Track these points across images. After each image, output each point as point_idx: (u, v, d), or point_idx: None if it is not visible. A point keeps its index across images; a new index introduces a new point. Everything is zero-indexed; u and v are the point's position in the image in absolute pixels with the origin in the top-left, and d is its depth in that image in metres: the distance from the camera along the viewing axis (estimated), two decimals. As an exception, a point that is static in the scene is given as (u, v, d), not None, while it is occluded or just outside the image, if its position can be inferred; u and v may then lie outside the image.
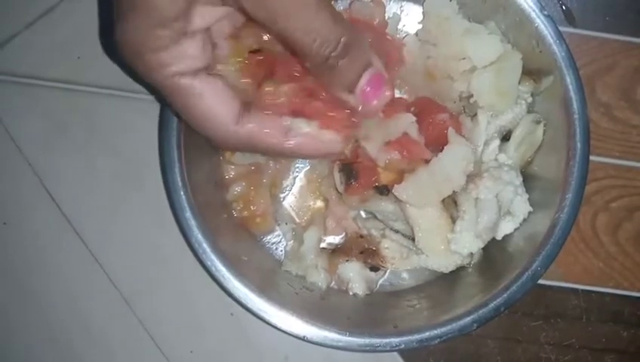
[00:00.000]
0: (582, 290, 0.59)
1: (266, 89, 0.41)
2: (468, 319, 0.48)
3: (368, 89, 0.38)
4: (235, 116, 0.38)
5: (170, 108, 0.40)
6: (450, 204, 0.51)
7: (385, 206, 0.52)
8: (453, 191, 0.50)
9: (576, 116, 0.50)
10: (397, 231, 0.53)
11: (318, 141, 0.40)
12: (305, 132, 0.40)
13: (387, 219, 0.53)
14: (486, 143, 0.53)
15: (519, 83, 0.52)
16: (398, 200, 0.51)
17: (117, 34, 0.35)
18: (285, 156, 0.48)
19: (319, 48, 0.35)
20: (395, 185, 0.50)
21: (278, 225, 0.56)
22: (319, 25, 0.35)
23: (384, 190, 0.51)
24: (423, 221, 0.51)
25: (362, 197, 0.52)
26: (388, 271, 0.55)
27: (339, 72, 0.37)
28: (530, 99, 0.53)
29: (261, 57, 0.42)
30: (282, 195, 0.57)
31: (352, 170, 0.50)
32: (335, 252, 0.55)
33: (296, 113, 0.41)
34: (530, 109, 0.53)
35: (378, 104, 0.40)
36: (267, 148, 0.40)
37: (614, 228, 0.59)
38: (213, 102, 0.37)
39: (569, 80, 0.50)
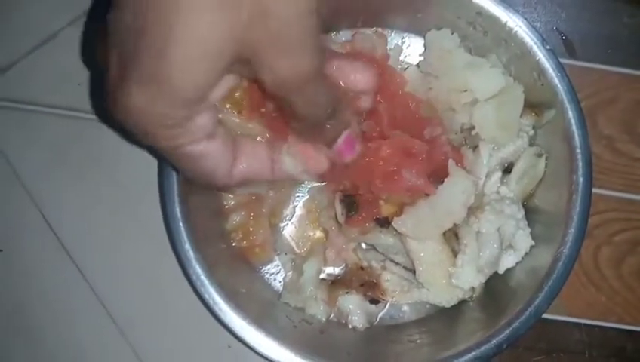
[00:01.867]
0: (584, 325, 0.58)
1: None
2: (470, 356, 0.47)
3: (344, 147, 0.44)
4: (231, 165, 0.40)
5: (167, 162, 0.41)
6: (452, 237, 0.51)
7: (385, 239, 0.51)
8: (454, 224, 0.50)
9: (578, 150, 0.50)
10: (398, 264, 0.53)
11: (301, 169, 0.44)
12: (288, 166, 0.44)
13: (387, 251, 0.53)
14: (487, 176, 0.52)
15: (521, 116, 0.52)
16: (398, 233, 0.50)
17: (120, 98, 0.33)
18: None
19: (314, 114, 0.39)
20: (395, 218, 0.49)
21: (278, 255, 0.56)
22: (319, 97, 0.38)
23: (384, 223, 0.50)
24: (424, 254, 0.50)
25: (362, 229, 0.51)
26: (388, 304, 0.54)
27: (323, 131, 0.41)
28: (531, 132, 0.53)
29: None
30: (282, 225, 0.56)
31: (353, 202, 0.50)
32: (335, 283, 0.54)
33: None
34: (531, 142, 0.53)
35: (350, 159, 0.45)
36: (261, 181, 0.44)
37: (617, 262, 0.59)
38: (215, 161, 0.39)
39: (571, 114, 0.50)
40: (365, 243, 0.55)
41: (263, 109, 0.43)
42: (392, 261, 0.53)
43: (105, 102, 0.35)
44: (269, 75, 0.33)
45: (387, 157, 0.48)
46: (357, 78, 0.43)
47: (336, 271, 0.56)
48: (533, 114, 0.52)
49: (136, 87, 0.32)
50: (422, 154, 0.48)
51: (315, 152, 0.44)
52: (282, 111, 0.41)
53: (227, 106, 0.43)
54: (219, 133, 0.38)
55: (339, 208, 0.51)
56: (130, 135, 0.35)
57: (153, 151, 0.40)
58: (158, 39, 0.30)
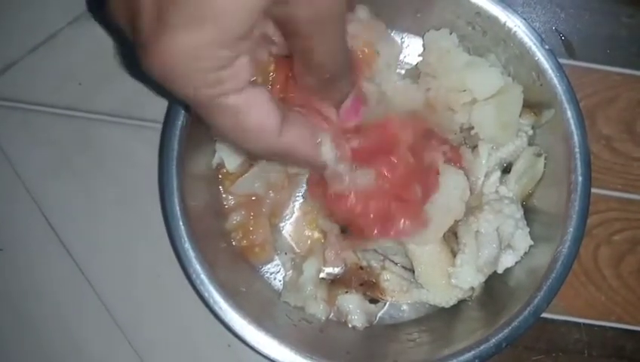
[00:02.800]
0: (584, 324, 0.58)
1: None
2: (469, 354, 0.47)
3: (350, 110, 0.43)
4: (279, 127, 0.37)
5: (201, 119, 0.37)
6: (451, 237, 0.51)
7: (383, 241, 0.51)
8: (455, 221, 0.50)
9: (577, 150, 0.50)
10: (397, 264, 0.53)
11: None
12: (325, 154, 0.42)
13: (387, 252, 0.53)
14: (487, 175, 0.52)
15: (520, 116, 0.52)
16: None
17: (160, 46, 0.31)
18: (312, 167, 0.45)
19: (331, 68, 0.38)
20: None
21: (277, 254, 0.56)
22: (340, 49, 0.37)
23: None
24: (423, 255, 0.50)
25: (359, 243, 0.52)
26: (387, 303, 0.54)
27: (334, 89, 0.41)
28: (530, 132, 0.53)
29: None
30: (282, 224, 0.56)
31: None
32: (334, 283, 0.54)
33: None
34: (530, 142, 0.53)
35: (353, 123, 0.45)
36: (302, 160, 0.41)
37: (617, 262, 0.59)
38: (260, 116, 0.36)
39: (570, 114, 0.50)
40: (364, 246, 0.55)
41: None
42: (392, 261, 0.53)
43: (136, 58, 0.33)
44: (305, 6, 0.33)
45: (379, 207, 0.47)
46: None
47: (336, 270, 0.56)
48: (533, 113, 0.52)
49: (181, 29, 0.31)
50: (415, 196, 0.48)
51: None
52: (300, 65, 0.39)
53: (259, 81, 0.41)
54: (262, 87, 0.37)
55: (335, 229, 0.52)
56: (164, 90, 0.33)
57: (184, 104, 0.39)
58: None
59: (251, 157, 0.51)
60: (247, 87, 0.34)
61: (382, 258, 0.53)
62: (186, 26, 0.30)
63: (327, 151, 0.41)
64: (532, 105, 0.52)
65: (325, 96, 0.42)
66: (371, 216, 0.46)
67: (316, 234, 0.56)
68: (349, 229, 0.51)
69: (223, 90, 0.34)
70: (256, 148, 0.38)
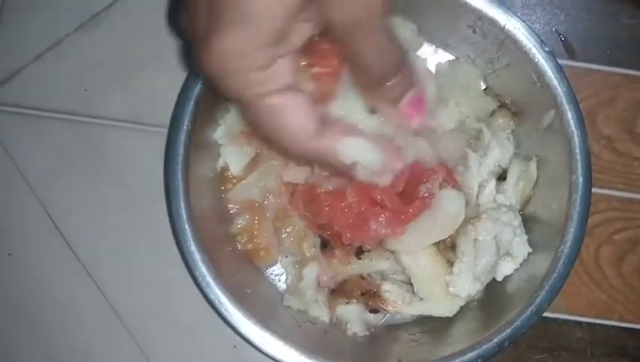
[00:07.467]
0: (586, 323, 0.58)
1: None
2: (472, 354, 0.48)
3: (411, 106, 0.43)
4: (315, 131, 0.39)
5: (246, 117, 0.42)
6: (446, 248, 0.51)
7: (379, 265, 0.52)
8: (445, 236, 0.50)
9: (577, 151, 0.50)
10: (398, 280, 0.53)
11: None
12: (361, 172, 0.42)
13: (386, 274, 0.53)
14: (481, 185, 0.53)
15: (500, 118, 0.54)
16: (390, 255, 0.51)
17: (209, 45, 0.35)
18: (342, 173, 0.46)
19: (379, 68, 0.39)
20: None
21: (283, 257, 0.56)
22: (385, 50, 0.38)
23: (360, 252, 0.52)
24: (418, 270, 0.50)
25: (345, 259, 0.52)
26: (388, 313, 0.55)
27: (388, 88, 0.41)
28: (511, 137, 0.55)
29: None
30: (283, 229, 0.56)
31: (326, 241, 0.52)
32: (335, 292, 0.54)
33: None
34: (517, 146, 0.55)
35: (418, 122, 0.44)
36: (334, 168, 0.42)
37: (618, 261, 0.59)
38: (297, 119, 0.38)
39: (570, 115, 0.50)
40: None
41: None
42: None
43: (193, 61, 0.37)
44: (339, 10, 0.34)
45: (353, 206, 0.47)
46: None
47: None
48: (514, 120, 0.54)
49: (225, 29, 0.34)
50: (390, 203, 0.47)
51: (394, 151, 0.44)
52: (350, 67, 0.41)
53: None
54: (303, 93, 0.39)
55: (317, 246, 0.53)
56: (218, 90, 0.37)
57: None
58: None
59: (295, 160, 0.52)
60: (286, 90, 0.37)
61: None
62: (230, 28, 0.34)
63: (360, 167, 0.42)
64: (514, 112, 0.54)
65: (381, 95, 0.42)
66: (345, 217, 0.47)
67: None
68: (329, 243, 0.51)
69: (264, 90, 0.36)
70: (293, 149, 0.40)
